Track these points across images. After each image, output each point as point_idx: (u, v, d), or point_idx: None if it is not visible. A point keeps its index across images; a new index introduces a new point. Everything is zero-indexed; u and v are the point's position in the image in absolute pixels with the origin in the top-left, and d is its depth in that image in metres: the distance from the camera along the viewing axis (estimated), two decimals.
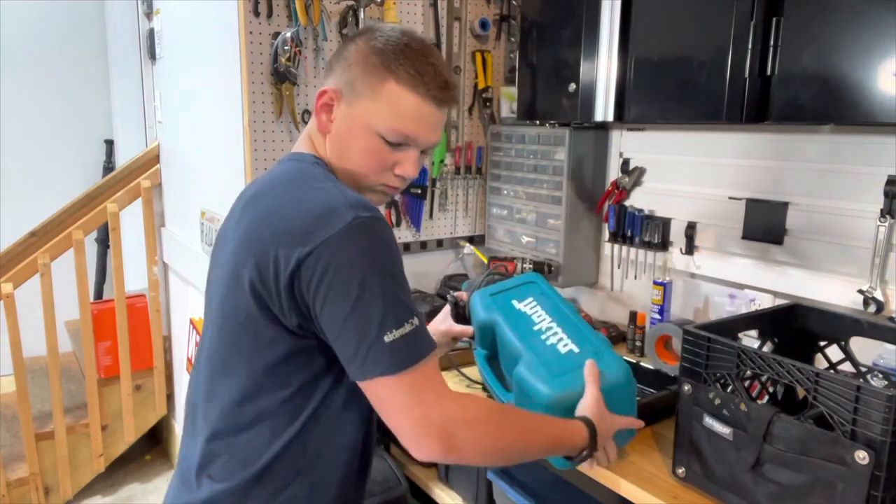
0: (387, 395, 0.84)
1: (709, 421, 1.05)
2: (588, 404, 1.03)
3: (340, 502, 0.99)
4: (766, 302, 1.54)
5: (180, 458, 1.08)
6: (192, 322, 2.44)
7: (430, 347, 0.87)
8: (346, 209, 0.84)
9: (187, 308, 2.54)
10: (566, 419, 1.00)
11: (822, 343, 1.25)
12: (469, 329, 1.29)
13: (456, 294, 1.33)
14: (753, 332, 1.25)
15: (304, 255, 0.83)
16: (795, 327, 1.25)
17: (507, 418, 0.93)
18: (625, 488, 1.15)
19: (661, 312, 1.70)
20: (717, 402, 1.04)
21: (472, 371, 1.54)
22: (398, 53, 0.92)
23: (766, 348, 1.22)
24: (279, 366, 0.92)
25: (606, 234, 1.94)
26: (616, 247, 1.90)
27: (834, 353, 1.23)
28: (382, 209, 2.05)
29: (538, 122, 1.94)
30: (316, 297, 0.84)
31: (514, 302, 1.23)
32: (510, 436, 0.92)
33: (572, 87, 1.67)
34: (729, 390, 1.04)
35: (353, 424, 0.98)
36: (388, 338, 0.82)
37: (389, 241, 0.88)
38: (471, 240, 2.24)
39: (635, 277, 1.87)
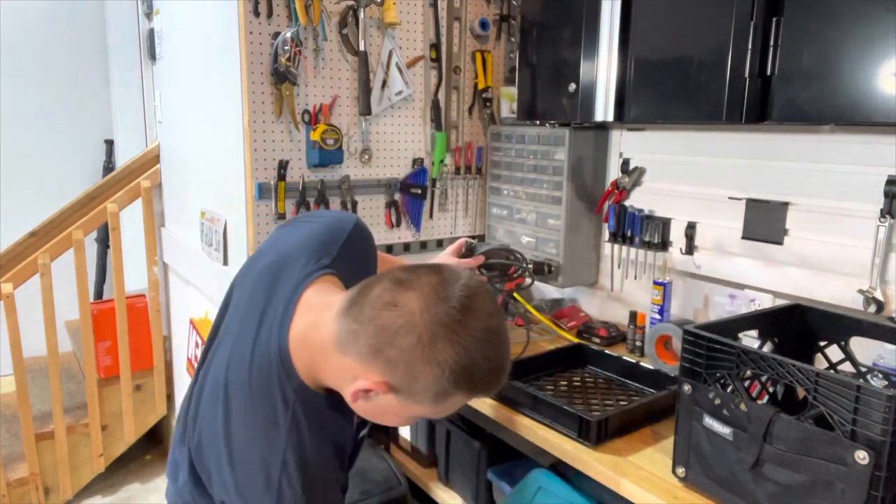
0: None
1: (709, 421, 1.05)
2: None
3: None
4: (766, 302, 1.54)
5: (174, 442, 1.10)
6: (192, 322, 2.44)
7: None
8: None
9: (187, 308, 2.54)
10: None
11: (822, 343, 1.25)
12: (473, 261, 1.42)
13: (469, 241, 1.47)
14: (753, 332, 1.25)
15: None
16: (795, 327, 1.26)
17: None
18: (625, 488, 1.15)
19: (661, 312, 1.70)
20: (717, 402, 1.04)
21: None
22: (482, 378, 0.85)
23: (766, 348, 1.22)
24: None
25: (606, 234, 1.94)
26: (616, 247, 1.90)
27: (834, 353, 1.23)
28: (382, 208, 2.05)
29: (538, 122, 1.94)
30: None
31: None
32: None
33: (572, 87, 1.67)
34: (729, 390, 1.04)
35: None
36: None
37: None
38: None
39: (635, 277, 1.87)
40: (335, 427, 0.95)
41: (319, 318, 0.90)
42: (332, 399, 0.93)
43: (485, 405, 1.46)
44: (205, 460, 0.93)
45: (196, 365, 1.10)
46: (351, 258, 1.05)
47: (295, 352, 0.91)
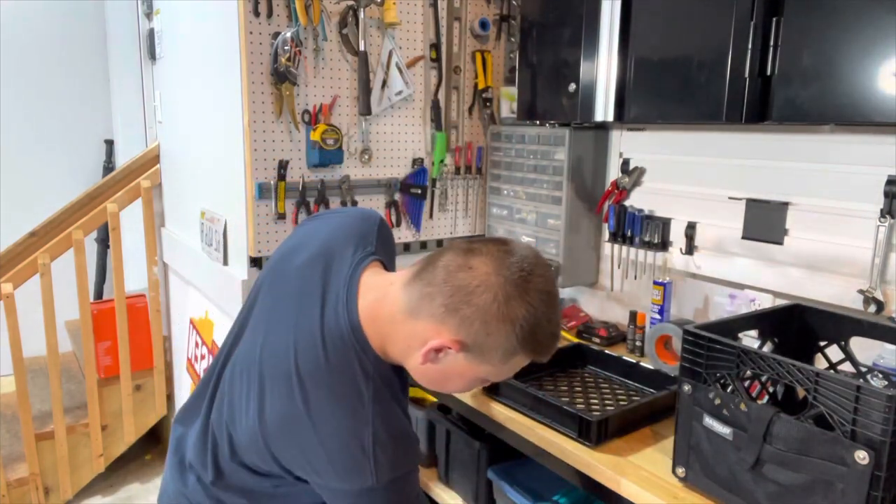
0: None
1: (709, 421, 1.05)
2: None
3: None
4: (766, 302, 1.54)
5: (175, 443, 1.11)
6: (192, 322, 2.44)
7: None
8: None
9: (187, 308, 2.54)
10: None
11: (822, 343, 1.25)
12: None
13: None
14: (753, 332, 1.25)
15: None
16: (795, 327, 1.26)
17: None
18: (625, 488, 1.15)
19: (661, 312, 1.70)
20: (717, 402, 1.04)
21: None
22: (544, 340, 0.92)
23: (766, 348, 1.22)
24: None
25: (606, 234, 1.94)
26: (616, 247, 1.90)
27: (834, 353, 1.23)
28: (382, 208, 2.05)
29: (538, 122, 1.94)
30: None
31: None
32: None
33: (572, 87, 1.67)
34: (729, 390, 1.04)
35: None
36: None
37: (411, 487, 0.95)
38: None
39: (635, 277, 1.87)
40: (402, 394, 1.00)
41: (384, 293, 0.95)
42: (396, 369, 0.98)
43: (485, 405, 1.46)
44: (282, 452, 0.93)
45: (210, 365, 1.10)
46: (384, 247, 1.10)
47: (366, 326, 0.95)
